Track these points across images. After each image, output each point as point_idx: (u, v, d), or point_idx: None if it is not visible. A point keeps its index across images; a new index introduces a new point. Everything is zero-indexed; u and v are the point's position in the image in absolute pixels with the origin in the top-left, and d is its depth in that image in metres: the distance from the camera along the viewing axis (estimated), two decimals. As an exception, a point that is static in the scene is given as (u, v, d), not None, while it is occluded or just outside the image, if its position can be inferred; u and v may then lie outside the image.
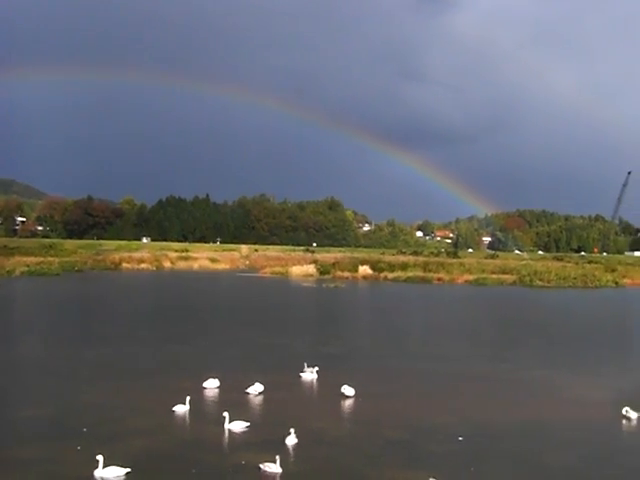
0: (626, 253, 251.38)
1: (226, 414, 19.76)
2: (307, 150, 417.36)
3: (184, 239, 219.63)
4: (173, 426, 20.15)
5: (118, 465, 16.14)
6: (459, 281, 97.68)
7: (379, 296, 77.32)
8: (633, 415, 21.79)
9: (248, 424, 19.80)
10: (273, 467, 16.31)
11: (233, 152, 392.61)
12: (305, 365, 27.66)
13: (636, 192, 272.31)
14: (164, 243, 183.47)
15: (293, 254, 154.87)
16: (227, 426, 19.61)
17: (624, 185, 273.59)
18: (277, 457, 16.46)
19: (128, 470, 16.05)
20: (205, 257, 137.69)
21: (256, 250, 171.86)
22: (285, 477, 16.11)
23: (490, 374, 29.45)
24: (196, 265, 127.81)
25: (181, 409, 21.51)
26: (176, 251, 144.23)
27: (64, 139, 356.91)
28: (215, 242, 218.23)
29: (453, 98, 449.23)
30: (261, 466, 16.42)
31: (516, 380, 28.30)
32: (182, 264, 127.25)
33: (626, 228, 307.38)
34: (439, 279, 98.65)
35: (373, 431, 20.16)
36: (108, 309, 54.75)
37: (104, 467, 15.95)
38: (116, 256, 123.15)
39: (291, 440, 18.31)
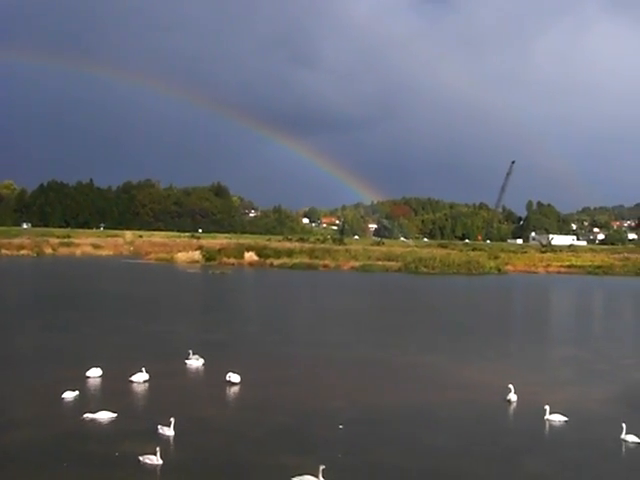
0: (509, 241, 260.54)
1: (90, 412, 19.00)
2: (194, 135, 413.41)
3: (66, 225, 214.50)
4: (51, 417, 19.21)
5: None
6: (345, 268, 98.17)
7: (265, 283, 76.98)
8: (513, 397, 22.22)
9: (115, 415, 19.08)
10: (153, 459, 15.60)
11: (118, 135, 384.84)
12: (190, 352, 27.07)
13: (518, 181, 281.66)
14: (45, 229, 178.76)
15: (178, 240, 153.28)
16: (91, 416, 18.84)
17: (508, 174, 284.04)
18: (157, 448, 15.79)
19: None
20: (88, 243, 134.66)
21: (141, 236, 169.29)
22: (166, 468, 15.48)
23: (377, 360, 29.56)
24: (79, 251, 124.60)
25: (61, 399, 20.67)
26: (58, 237, 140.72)
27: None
28: (99, 228, 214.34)
29: (343, 86, 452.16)
30: (140, 458, 15.70)
31: (403, 365, 28.48)
32: (64, 250, 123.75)
33: (509, 216, 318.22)
34: (325, 266, 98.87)
35: (259, 418, 19.83)
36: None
37: None
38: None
39: (171, 430, 17.61)
